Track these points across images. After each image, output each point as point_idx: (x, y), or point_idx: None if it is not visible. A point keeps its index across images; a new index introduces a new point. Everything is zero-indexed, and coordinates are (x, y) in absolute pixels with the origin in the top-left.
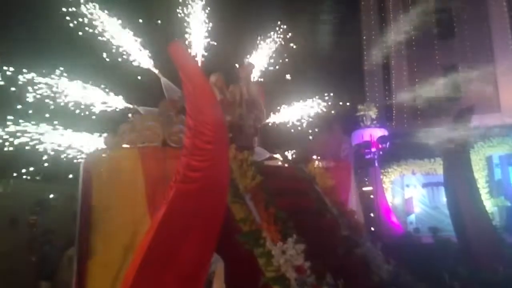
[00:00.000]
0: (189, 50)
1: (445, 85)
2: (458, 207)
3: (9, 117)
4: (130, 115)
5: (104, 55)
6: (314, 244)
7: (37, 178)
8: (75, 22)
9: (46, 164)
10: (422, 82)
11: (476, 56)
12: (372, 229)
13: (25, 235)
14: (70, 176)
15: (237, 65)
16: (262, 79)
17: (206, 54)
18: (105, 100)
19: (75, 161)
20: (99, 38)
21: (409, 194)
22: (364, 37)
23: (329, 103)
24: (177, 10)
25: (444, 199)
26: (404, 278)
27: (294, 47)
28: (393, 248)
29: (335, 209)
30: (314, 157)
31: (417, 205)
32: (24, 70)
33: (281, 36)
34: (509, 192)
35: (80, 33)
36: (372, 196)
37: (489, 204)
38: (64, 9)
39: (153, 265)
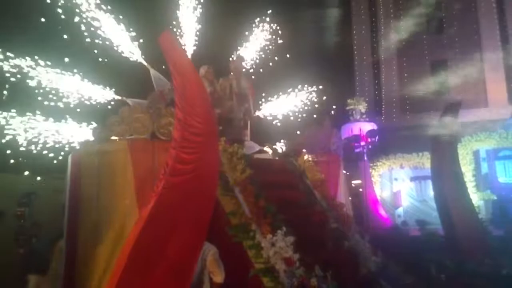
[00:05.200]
0: (179, 41)
1: (433, 80)
2: (445, 201)
3: None
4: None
5: (93, 46)
6: (303, 236)
7: (24, 171)
8: (62, 10)
9: (35, 156)
10: (411, 77)
11: (465, 51)
12: (361, 221)
13: (12, 229)
14: (58, 168)
15: (230, 59)
16: (252, 72)
17: (196, 45)
18: (93, 91)
19: (62, 153)
20: (88, 28)
21: (397, 188)
22: (355, 32)
23: (319, 97)
24: (168, 1)
25: (431, 192)
26: (391, 270)
27: (284, 40)
28: (381, 241)
29: (324, 202)
30: (304, 150)
31: (405, 199)
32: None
33: (272, 29)
34: (496, 186)
35: (63, 16)
36: (360, 189)
37: (475, 198)
38: None
39: (142, 257)
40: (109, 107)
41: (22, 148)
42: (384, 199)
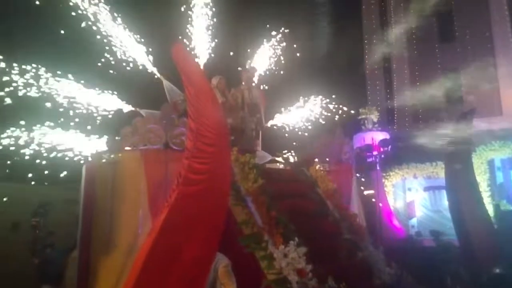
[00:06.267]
0: (191, 53)
1: (446, 88)
2: (460, 211)
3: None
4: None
5: (107, 57)
6: (315, 247)
7: (38, 181)
8: (79, 23)
9: (47, 167)
10: (424, 85)
11: (478, 59)
12: (374, 232)
13: (27, 238)
14: (72, 179)
15: (239, 68)
16: (263, 82)
17: (208, 57)
18: (107, 102)
19: (76, 164)
20: (102, 40)
21: (411, 198)
22: (366, 41)
23: (331, 106)
24: (180, 13)
25: (446, 202)
26: (405, 281)
27: (296, 50)
28: (395, 252)
29: (337, 212)
30: (316, 160)
31: (419, 209)
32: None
33: (283, 39)
34: (511, 195)
35: (80, 30)
36: (373, 200)
37: (491, 208)
38: (67, 10)
39: (155, 267)
40: (122, 117)
41: (35, 159)
42: (398, 210)
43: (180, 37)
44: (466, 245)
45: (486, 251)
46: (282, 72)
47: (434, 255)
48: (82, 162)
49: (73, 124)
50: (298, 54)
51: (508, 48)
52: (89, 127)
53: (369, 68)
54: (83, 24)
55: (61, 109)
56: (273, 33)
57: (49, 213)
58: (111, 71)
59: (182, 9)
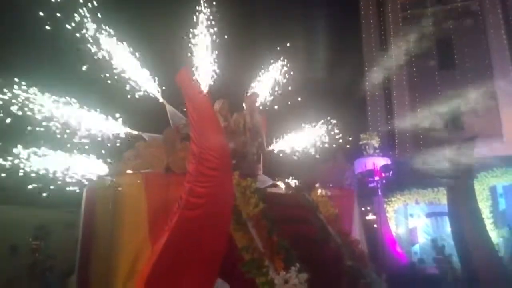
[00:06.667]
0: (195, 78)
1: (447, 114)
2: (463, 238)
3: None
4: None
5: (110, 81)
6: (317, 273)
7: (37, 204)
8: (81, 47)
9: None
10: (424, 111)
11: (478, 86)
12: (376, 258)
13: (25, 262)
14: (71, 202)
15: (245, 94)
16: (265, 107)
17: (211, 81)
18: (109, 126)
19: (77, 187)
20: (105, 64)
21: (413, 224)
22: (366, 68)
23: (332, 131)
24: (184, 38)
25: (448, 229)
26: None
27: (297, 75)
28: (397, 279)
29: (339, 238)
30: (318, 185)
31: (421, 235)
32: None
33: (285, 66)
34: None
35: (81, 53)
36: (375, 225)
37: (494, 235)
38: (69, 33)
39: None
40: (124, 141)
41: (34, 181)
42: (400, 236)
43: (184, 61)
44: (470, 272)
45: (490, 278)
46: (283, 97)
47: (437, 281)
48: (80, 186)
49: (75, 147)
50: (299, 80)
51: (507, 75)
52: (90, 151)
53: (370, 93)
54: (84, 45)
55: (61, 132)
56: (275, 58)
57: (49, 236)
58: (113, 95)
59: (186, 34)
